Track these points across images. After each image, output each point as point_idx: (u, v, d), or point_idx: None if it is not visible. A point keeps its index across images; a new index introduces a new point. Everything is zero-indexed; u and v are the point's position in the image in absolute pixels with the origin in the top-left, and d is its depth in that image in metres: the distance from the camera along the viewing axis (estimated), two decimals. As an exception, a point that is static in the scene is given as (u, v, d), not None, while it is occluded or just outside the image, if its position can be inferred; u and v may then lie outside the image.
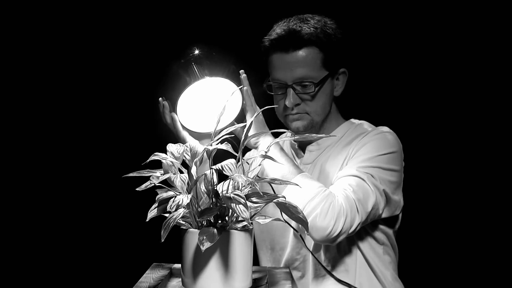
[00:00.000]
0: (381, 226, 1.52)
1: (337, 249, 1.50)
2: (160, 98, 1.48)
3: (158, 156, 1.12)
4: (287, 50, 1.47)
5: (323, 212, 1.33)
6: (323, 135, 1.31)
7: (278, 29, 1.49)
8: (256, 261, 1.67)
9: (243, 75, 1.45)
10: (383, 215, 1.47)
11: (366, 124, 1.59)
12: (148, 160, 1.11)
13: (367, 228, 1.50)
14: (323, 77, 1.49)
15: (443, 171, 2.36)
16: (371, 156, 1.44)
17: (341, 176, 1.44)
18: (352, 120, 1.62)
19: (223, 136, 1.17)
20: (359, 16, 2.29)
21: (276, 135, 1.47)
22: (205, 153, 1.14)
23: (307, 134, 1.24)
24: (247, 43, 1.76)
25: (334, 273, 1.49)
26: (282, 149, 1.47)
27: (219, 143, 1.13)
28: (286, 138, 1.36)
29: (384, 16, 2.32)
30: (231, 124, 1.45)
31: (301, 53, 1.47)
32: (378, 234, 1.52)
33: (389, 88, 2.34)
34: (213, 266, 1.08)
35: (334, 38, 1.49)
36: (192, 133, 1.49)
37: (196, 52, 1.42)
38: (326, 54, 1.48)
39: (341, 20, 1.55)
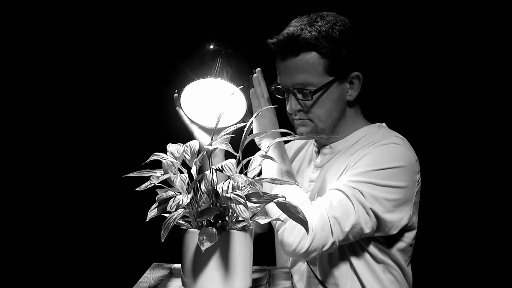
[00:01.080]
0: (377, 244, 1.44)
1: (328, 261, 1.47)
2: (176, 90, 1.50)
3: (158, 156, 1.12)
4: (285, 56, 1.42)
5: (291, 228, 1.32)
6: (323, 135, 1.30)
7: (281, 33, 1.43)
8: (274, 260, 1.68)
9: (254, 75, 1.44)
10: (375, 234, 1.40)
11: (382, 131, 1.50)
12: (148, 160, 1.11)
13: (362, 244, 1.44)
14: (324, 84, 1.41)
15: (475, 186, 2.27)
16: (365, 170, 1.36)
17: (330, 188, 1.39)
18: (375, 125, 1.53)
19: (223, 136, 1.17)
20: (378, 17, 2.24)
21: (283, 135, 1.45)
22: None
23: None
24: (256, 41, 1.74)
25: (325, 283, 1.48)
26: (283, 151, 1.46)
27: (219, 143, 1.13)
28: (286, 138, 1.35)
29: (405, 18, 2.24)
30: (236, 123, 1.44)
31: (300, 58, 1.40)
32: (374, 251, 1.44)
33: (414, 92, 2.27)
34: (213, 266, 1.08)
35: (342, 41, 1.40)
36: (202, 128, 1.51)
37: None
38: (331, 59, 1.40)
39: (358, 20, 1.47)
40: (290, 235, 1.32)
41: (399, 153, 1.41)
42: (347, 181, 1.36)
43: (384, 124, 1.55)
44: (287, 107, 1.46)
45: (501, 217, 2.26)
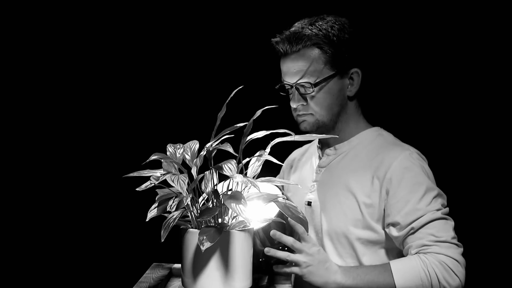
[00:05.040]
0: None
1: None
2: None
3: (158, 156, 1.12)
4: (287, 53, 1.48)
5: (446, 274, 1.33)
6: (323, 135, 1.30)
7: (283, 32, 1.49)
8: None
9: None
10: None
11: (385, 135, 1.56)
12: (148, 160, 1.11)
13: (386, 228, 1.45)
14: (325, 77, 1.47)
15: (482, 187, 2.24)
16: (425, 190, 1.41)
17: (417, 226, 1.38)
18: (377, 128, 1.58)
19: (223, 136, 1.16)
20: (378, 16, 2.23)
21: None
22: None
23: (307, 134, 1.23)
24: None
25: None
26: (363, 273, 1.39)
27: (219, 143, 1.12)
28: (286, 138, 1.34)
29: (405, 17, 2.22)
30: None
31: (301, 53, 1.46)
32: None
33: (415, 92, 2.25)
34: (213, 266, 1.08)
35: (341, 37, 1.47)
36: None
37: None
38: (331, 54, 1.46)
39: (360, 20, 1.53)
40: (450, 280, 1.33)
41: (423, 161, 1.49)
42: (425, 206, 1.39)
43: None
44: (291, 102, 1.50)
45: (502, 225, 2.25)
